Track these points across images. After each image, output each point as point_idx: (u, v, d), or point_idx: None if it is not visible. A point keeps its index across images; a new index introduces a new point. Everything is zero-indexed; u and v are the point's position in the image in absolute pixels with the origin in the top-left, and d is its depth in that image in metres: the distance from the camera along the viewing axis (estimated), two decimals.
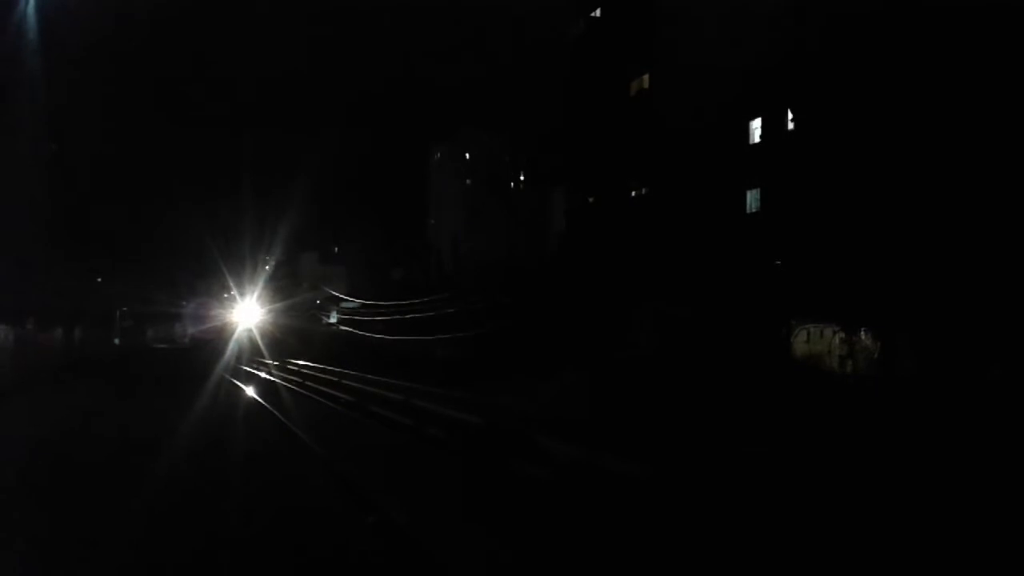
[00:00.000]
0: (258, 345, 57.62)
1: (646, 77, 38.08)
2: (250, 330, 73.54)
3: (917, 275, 21.91)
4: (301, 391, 28.12)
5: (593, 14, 43.47)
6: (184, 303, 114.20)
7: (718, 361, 25.36)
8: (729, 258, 30.73)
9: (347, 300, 77.37)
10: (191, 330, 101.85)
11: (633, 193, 39.41)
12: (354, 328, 67.37)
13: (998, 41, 21.11)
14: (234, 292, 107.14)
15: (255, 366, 43.57)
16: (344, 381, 25.31)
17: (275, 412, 20.03)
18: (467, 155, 76.72)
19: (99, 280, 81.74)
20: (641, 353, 30.26)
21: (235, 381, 32.20)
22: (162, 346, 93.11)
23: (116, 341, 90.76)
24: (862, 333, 24.29)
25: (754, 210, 31.91)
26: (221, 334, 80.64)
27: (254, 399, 24.52)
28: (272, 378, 34.48)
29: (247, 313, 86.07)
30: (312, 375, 31.90)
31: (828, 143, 26.82)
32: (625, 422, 18.56)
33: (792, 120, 30.14)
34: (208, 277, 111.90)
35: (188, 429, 16.93)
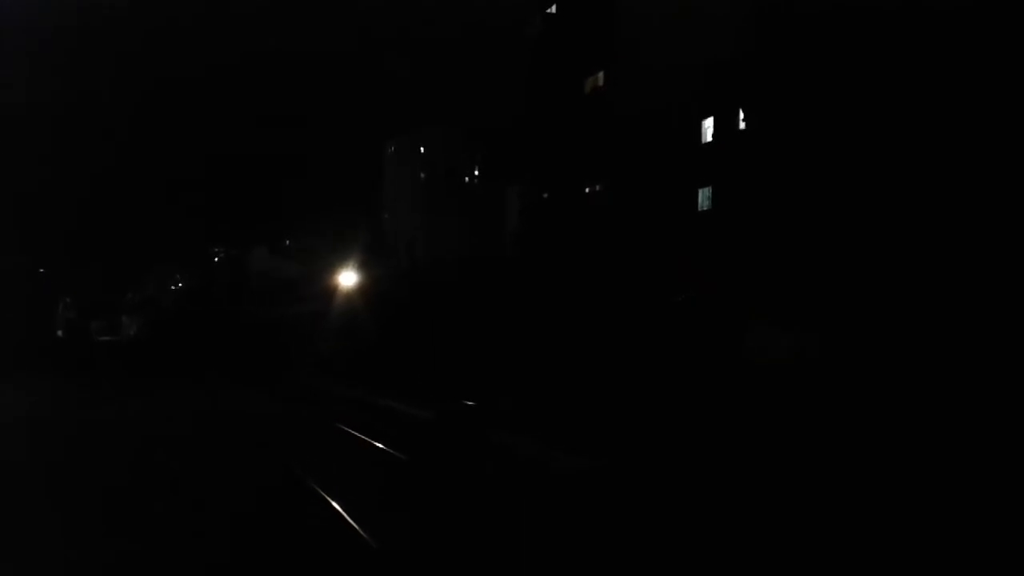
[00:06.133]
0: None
1: (601, 74, 38.21)
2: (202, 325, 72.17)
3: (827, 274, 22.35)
4: None
5: (549, 10, 43.49)
6: (131, 295, 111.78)
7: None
8: (680, 256, 30.93)
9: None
10: (137, 322, 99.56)
11: (587, 190, 39.51)
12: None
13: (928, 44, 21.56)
14: (182, 285, 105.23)
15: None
16: None
17: None
18: (422, 148, 76.22)
19: (41, 271, 79.50)
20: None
21: None
22: (106, 338, 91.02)
23: (59, 333, 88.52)
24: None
25: (705, 208, 32.19)
26: (171, 328, 78.97)
27: None
28: None
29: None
30: None
31: (776, 143, 27.16)
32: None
33: (743, 120, 30.46)
34: (156, 270, 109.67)
35: None
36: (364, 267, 48.07)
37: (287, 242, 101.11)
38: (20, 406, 28.14)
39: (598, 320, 30.29)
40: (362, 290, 46.42)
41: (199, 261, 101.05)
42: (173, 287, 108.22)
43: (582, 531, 11.34)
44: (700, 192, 32.43)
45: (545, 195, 43.59)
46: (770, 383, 19.82)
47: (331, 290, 52.87)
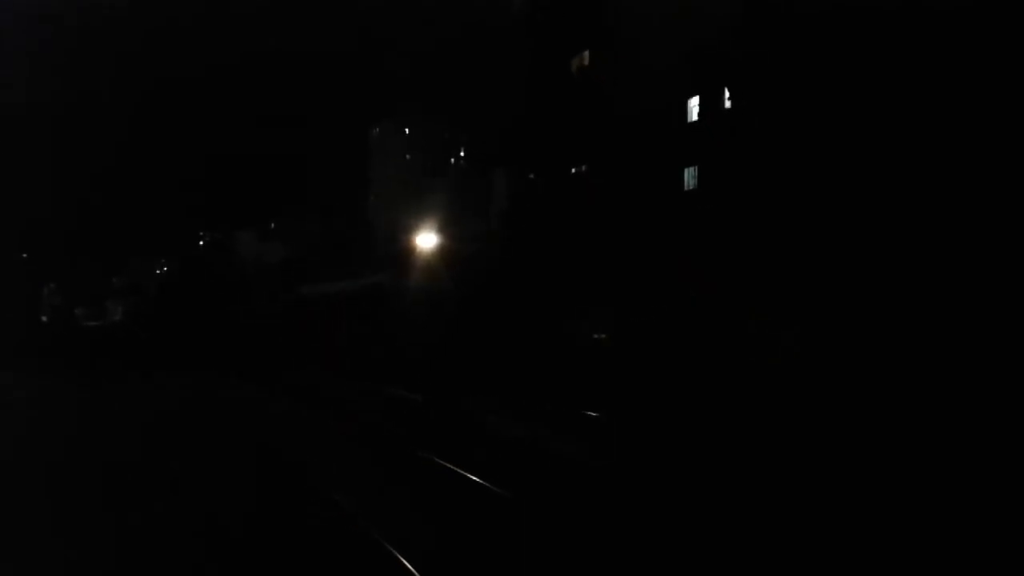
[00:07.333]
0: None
1: (586, 54, 38.02)
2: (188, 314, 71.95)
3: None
4: None
5: None
6: (115, 280, 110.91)
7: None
8: (666, 236, 30.99)
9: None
10: (122, 308, 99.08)
11: (573, 170, 39.42)
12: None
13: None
14: (167, 269, 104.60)
15: None
16: None
17: None
18: (407, 130, 75.82)
19: (24, 256, 78.84)
20: None
21: None
22: (92, 323, 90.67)
23: (43, 319, 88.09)
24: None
25: (691, 187, 32.20)
26: (156, 317, 78.67)
27: None
28: None
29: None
30: None
31: (760, 122, 27.15)
32: None
33: (728, 99, 30.40)
34: (141, 256, 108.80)
35: None
36: (352, 255, 47.97)
37: (272, 225, 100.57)
38: (18, 406, 28.12)
39: (586, 313, 30.46)
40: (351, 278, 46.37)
41: (185, 247, 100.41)
42: (158, 271, 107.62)
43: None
44: (686, 171, 32.45)
45: (531, 176, 43.50)
46: (767, 381, 20.03)
47: (321, 278, 52.59)
